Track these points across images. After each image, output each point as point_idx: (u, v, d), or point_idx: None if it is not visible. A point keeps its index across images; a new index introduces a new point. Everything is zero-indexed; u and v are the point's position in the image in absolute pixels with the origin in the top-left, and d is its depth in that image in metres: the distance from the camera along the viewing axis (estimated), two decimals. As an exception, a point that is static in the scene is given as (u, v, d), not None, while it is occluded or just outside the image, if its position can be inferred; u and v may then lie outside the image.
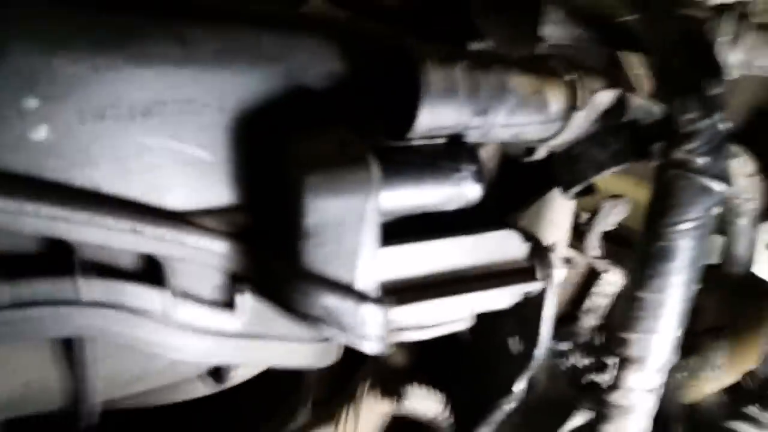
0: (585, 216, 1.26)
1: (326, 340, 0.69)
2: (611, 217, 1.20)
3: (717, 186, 0.65)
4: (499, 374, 0.83)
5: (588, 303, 1.23)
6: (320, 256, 0.58)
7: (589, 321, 1.18)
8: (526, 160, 0.74)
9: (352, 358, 0.94)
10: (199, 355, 0.58)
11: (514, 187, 0.84)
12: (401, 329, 0.69)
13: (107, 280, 0.52)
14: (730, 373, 1.30)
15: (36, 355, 0.54)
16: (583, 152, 0.71)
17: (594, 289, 1.26)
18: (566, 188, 0.74)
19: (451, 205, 0.64)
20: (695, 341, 1.20)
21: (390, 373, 0.91)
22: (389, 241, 0.67)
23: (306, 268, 0.58)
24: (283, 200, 0.57)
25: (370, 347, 0.61)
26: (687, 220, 0.65)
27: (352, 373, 0.92)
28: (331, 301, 0.58)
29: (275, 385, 1.03)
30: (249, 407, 0.97)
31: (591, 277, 1.28)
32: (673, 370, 1.04)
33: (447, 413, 0.88)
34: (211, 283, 0.60)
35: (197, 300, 0.58)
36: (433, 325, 0.71)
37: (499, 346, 0.83)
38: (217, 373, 0.68)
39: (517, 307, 0.77)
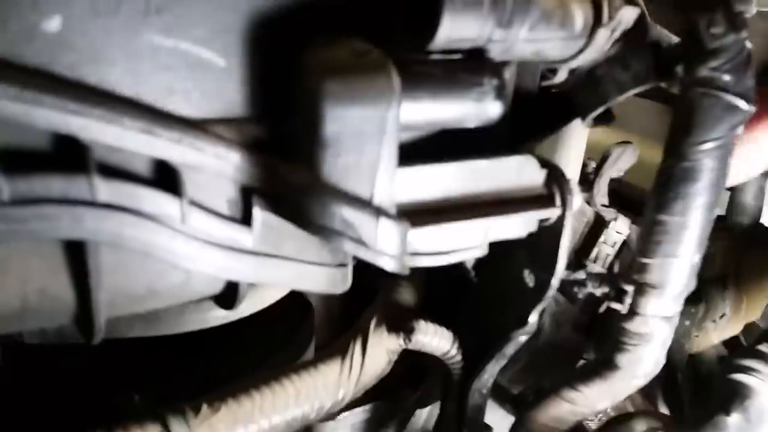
0: (592, 165, 1.25)
1: (339, 265, 0.68)
2: (619, 163, 1.19)
3: (742, 104, 0.64)
4: (512, 308, 0.82)
5: (595, 252, 1.23)
6: (338, 168, 0.57)
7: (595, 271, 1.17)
8: (546, 83, 0.72)
9: (359, 302, 0.95)
10: (213, 268, 0.57)
11: (528, 119, 0.83)
12: (416, 254, 0.67)
13: (123, 182, 0.51)
14: (735, 324, 1.31)
15: (45, 262, 0.53)
16: (604, 74, 0.70)
17: (601, 239, 1.26)
18: (586, 113, 0.72)
19: (472, 122, 0.63)
20: (701, 289, 1.20)
21: (398, 309, 0.90)
22: (404, 163, 0.65)
23: (324, 177, 0.56)
24: (301, 109, 0.56)
25: (388, 264, 0.60)
26: (712, 139, 0.64)
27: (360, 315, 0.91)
28: (350, 213, 0.57)
29: (282, 321, 1.03)
30: (255, 342, 0.96)
31: (598, 226, 1.28)
32: (680, 317, 1.04)
33: (456, 351, 0.87)
34: (226, 196, 0.58)
35: (212, 212, 0.57)
36: (447, 252, 0.70)
37: (512, 280, 0.82)
38: (227, 296, 0.67)
39: (532, 238, 0.76)
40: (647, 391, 1.34)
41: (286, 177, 0.57)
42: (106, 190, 0.50)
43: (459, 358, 0.88)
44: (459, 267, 1.01)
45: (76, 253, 0.53)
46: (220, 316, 0.78)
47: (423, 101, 0.60)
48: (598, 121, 0.75)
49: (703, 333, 1.29)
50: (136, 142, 0.50)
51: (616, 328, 0.75)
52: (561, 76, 0.71)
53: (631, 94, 0.69)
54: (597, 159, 1.18)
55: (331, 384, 0.78)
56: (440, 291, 0.98)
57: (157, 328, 0.77)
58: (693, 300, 0.72)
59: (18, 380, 0.78)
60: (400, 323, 0.85)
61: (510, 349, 0.82)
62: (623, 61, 0.68)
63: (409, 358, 1.01)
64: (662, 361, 0.75)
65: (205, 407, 0.68)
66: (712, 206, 0.67)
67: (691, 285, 0.71)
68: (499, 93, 0.62)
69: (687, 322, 1.24)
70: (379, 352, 0.84)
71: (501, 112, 0.63)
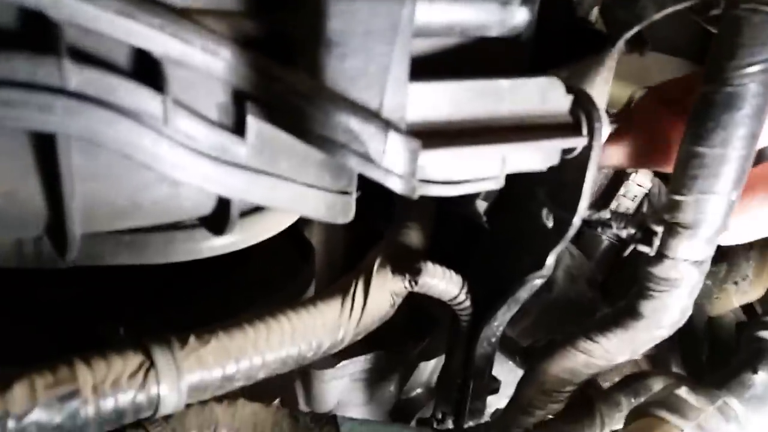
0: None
1: (342, 192, 0.63)
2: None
3: (797, 22, 0.58)
4: (528, 250, 0.77)
5: (614, 205, 1.18)
6: (345, 71, 0.51)
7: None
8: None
9: (364, 247, 0.90)
10: (200, 179, 0.52)
11: (556, 45, 0.77)
12: (427, 181, 0.62)
13: (97, 70, 0.45)
14: (757, 288, 1.26)
15: (13, 162, 0.48)
16: (643, -10, 0.64)
17: (621, 191, 1.20)
18: (621, 32, 0.67)
19: (495, 29, 0.57)
20: (724, 248, 1.15)
21: (404, 251, 0.86)
22: (417, 78, 0.60)
23: (328, 83, 0.51)
24: (303, 3, 0.50)
25: (397, 185, 0.56)
26: (759, 62, 0.59)
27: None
28: (355, 123, 0.51)
29: (281, 261, 0.99)
30: (252, 281, 0.92)
31: (617, 178, 1.22)
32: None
33: (465, 296, 0.83)
34: (217, 100, 0.53)
35: (201, 116, 0.52)
36: (460, 181, 0.65)
37: (530, 220, 0.77)
38: (218, 219, 0.62)
39: (552, 173, 0.71)
40: (654, 356, 1.30)
41: (285, 81, 0.51)
42: (77, 76, 0.44)
43: (468, 304, 0.83)
44: (470, 209, 0.96)
45: (47, 152, 0.48)
46: (212, 247, 0.74)
47: (441, 0, 0.54)
48: (633, 47, 0.70)
49: (724, 295, 1.25)
50: (113, 25, 0.45)
51: (642, 273, 0.70)
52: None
53: (670, 11, 0.63)
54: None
55: (330, 323, 0.73)
56: (450, 234, 0.93)
57: (144, 255, 0.72)
58: (715, 259, 0.67)
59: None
60: (406, 265, 0.80)
61: (524, 294, 0.78)
62: (663, -26, 0.62)
63: (414, 309, 0.97)
64: (689, 310, 0.70)
65: (192, 339, 0.63)
66: (755, 138, 0.62)
67: (726, 226, 0.66)
68: (527, -1, 0.56)
69: (708, 282, 1.19)
70: (382, 293, 0.79)
71: (528, 20, 0.57)
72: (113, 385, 0.57)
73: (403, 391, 1.15)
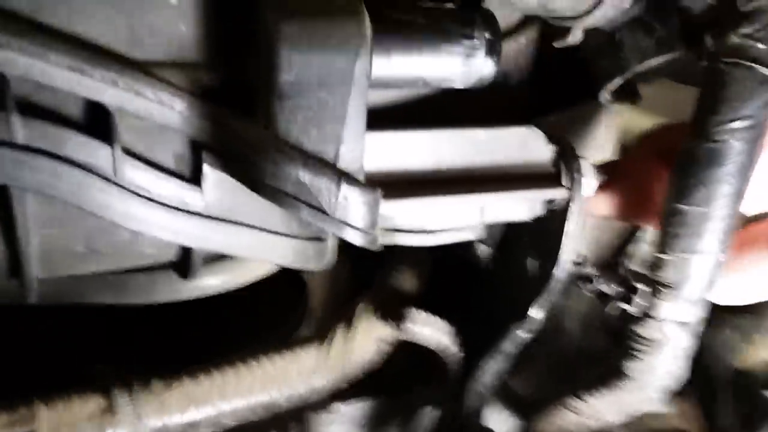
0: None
1: (313, 239, 0.63)
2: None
3: (780, 77, 0.55)
4: (515, 301, 0.75)
5: (631, 248, 1.14)
6: (298, 123, 0.52)
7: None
8: (560, 44, 0.65)
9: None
10: (154, 228, 0.53)
11: (551, 91, 0.76)
12: (397, 230, 0.62)
13: (45, 123, 0.47)
14: (789, 339, 1.20)
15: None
16: (624, 39, 0.62)
17: (639, 234, 1.16)
18: (604, 83, 0.65)
19: (459, 82, 0.57)
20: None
21: (393, 296, 0.85)
22: (387, 126, 0.60)
23: (281, 134, 0.51)
24: (257, 54, 0.51)
25: (353, 237, 0.55)
26: (741, 117, 0.56)
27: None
28: (305, 175, 0.51)
29: (271, 301, 0.99)
30: (239, 321, 0.92)
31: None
32: (724, 327, 0.96)
33: (454, 345, 0.81)
34: (172, 150, 0.54)
35: (155, 166, 0.53)
36: (434, 231, 0.64)
37: (518, 269, 0.76)
38: (182, 264, 0.63)
39: (539, 223, 0.70)
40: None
41: (238, 131, 0.52)
42: (25, 130, 0.46)
43: (456, 353, 0.82)
44: (470, 254, 0.94)
45: (2, 201, 0.49)
46: (193, 288, 0.75)
47: (400, 52, 0.54)
48: (620, 97, 0.68)
49: (752, 348, 1.19)
50: (63, 80, 0.46)
51: (626, 332, 0.67)
52: (575, 36, 0.63)
53: (654, 64, 0.62)
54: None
55: (306, 370, 0.73)
56: (449, 280, 0.92)
57: (125, 296, 0.73)
58: (740, 309, 0.64)
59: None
60: (393, 310, 0.80)
61: (509, 347, 0.75)
62: (646, 24, 0.60)
63: (420, 353, 0.96)
64: (680, 374, 0.67)
65: (156, 383, 0.64)
66: (738, 196, 0.59)
67: (712, 287, 0.63)
68: (492, 49, 0.55)
69: (732, 333, 1.14)
70: (366, 339, 0.78)
71: (493, 71, 0.56)
72: (69, 427, 0.58)
73: (406, 437, 1.13)
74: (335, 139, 0.53)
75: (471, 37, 0.55)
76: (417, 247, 0.93)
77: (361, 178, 0.55)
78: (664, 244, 0.62)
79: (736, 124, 0.56)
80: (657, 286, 0.63)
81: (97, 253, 0.56)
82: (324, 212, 0.53)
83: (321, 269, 0.66)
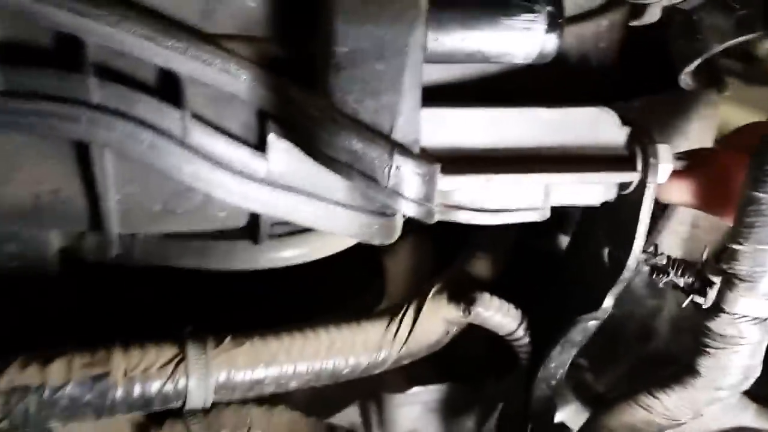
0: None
1: (379, 213, 0.65)
2: None
3: None
4: (587, 290, 0.74)
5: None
6: (354, 94, 0.54)
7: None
8: (635, 22, 0.63)
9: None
10: (220, 191, 0.57)
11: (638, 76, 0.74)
12: (458, 207, 0.62)
13: (121, 86, 0.52)
14: None
15: (58, 164, 0.56)
16: (703, 19, 0.60)
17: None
18: (683, 65, 0.63)
19: (519, 57, 0.57)
20: None
21: (466, 279, 0.85)
22: (447, 104, 0.61)
23: (336, 104, 0.54)
24: (317, 28, 0.54)
25: (406, 207, 0.57)
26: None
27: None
28: (359, 144, 0.54)
29: (346, 280, 1.02)
30: (313, 296, 0.96)
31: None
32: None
33: (523, 332, 0.80)
34: (240, 118, 0.58)
35: (224, 132, 0.57)
36: (497, 210, 0.64)
37: (592, 258, 0.74)
38: (251, 231, 0.67)
39: (613, 210, 0.68)
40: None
41: (299, 101, 0.55)
42: (102, 91, 0.51)
43: (526, 341, 0.81)
44: (551, 244, 0.93)
45: (84, 158, 0.55)
46: (271, 259, 0.79)
47: (456, 26, 0.55)
48: (703, 83, 0.65)
49: None
50: (137, 48, 0.51)
51: (700, 328, 0.64)
52: (652, 14, 0.61)
53: (733, 43, 0.58)
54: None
55: (371, 343, 0.75)
56: (528, 269, 0.91)
57: (206, 261, 0.79)
58: None
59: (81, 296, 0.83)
60: (463, 293, 0.80)
61: (577, 335, 0.74)
62: (725, 3, 0.58)
63: (497, 344, 0.96)
64: (754, 372, 0.63)
65: (228, 340, 0.68)
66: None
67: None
68: (553, 23, 0.55)
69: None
70: (434, 319, 0.79)
71: (555, 46, 0.56)
72: (144, 372, 0.63)
73: (483, 430, 1.12)
74: (390, 111, 0.55)
75: (531, 11, 0.55)
76: (496, 232, 0.94)
77: (416, 150, 0.56)
78: (739, 234, 0.59)
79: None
80: (732, 279, 0.60)
81: (172, 214, 0.61)
82: (376, 181, 0.55)
83: (384, 243, 0.68)
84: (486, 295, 0.79)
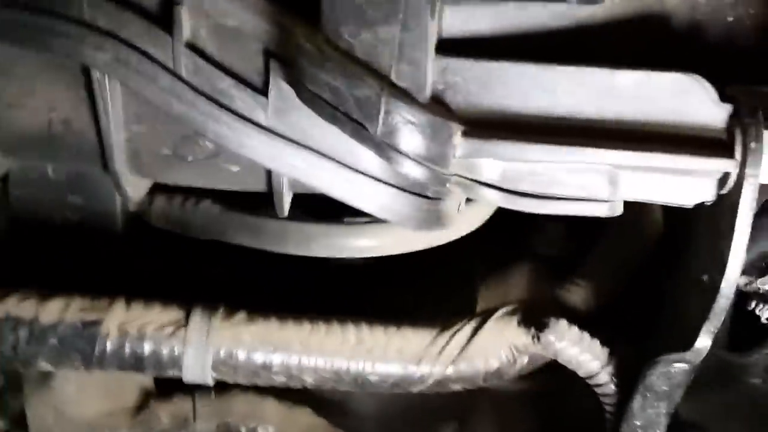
0: None
1: (418, 194, 0.56)
2: None
3: None
4: (682, 326, 0.58)
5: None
6: (348, 26, 0.47)
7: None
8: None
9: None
10: (218, 134, 0.53)
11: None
12: (485, 184, 0.52)
13: (112, 4, 0.51)
14: None
15: (68, 92, 0.57)
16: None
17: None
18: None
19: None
20: None
21: (554, 305, 0.72)
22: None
23: (330, 37, 0.48)
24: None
25: (403, 165, 0.48)
26: None
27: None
28: (343, 81, 0.47)
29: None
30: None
31: None
32: None
33: (608, 377, 0.65)
34: (245, 56, 0.53)
35: (224, 69, 0.53)
36: (541, 195, 0.52)
37: (690, 285, 0.58)
38: (272, 199, 0.62)
39: (713, 215, 0.53)
40: None
41: (300, 38, 0.50)
42: (91, 8, 0.51)
43: (611, 388, 0.66)
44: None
45: (92, 87, 0.55)
46: (337, 246, 0.75)
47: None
48: None
49: None
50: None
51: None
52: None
53: None
54: None
55: (409, 352, 0.66)
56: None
57: (259, 240, 0.76)
58: None
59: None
60: (537, 317, 0.68)
61: (659, 383, 0.58)
62: None
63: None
64: None
65: (240, 314, 0.64)
66: None
67: None
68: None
69: None
70: (496, 341, 0.68)
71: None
72: (139, 330, 0.61)
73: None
74: (390, 48, 0.47)
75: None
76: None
77: (422, 98, 0.48)
78: None
79: None
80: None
81: (183, 161, 0.59)
82: (364, 128, 0.47)
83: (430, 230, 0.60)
84: (563, 323, 0.65)
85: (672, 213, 0.59)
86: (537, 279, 0.91)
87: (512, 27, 0.55)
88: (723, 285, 0.50)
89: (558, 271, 0.83)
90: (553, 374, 0.71)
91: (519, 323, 0.68)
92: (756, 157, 0.47)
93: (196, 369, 0.62)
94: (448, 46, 0.54)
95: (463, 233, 0.86)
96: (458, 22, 0.55)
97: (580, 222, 0.55)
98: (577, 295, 0.74)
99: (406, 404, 0.77)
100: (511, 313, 0.70)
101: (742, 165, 0.48)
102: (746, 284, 0.51)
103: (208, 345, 0.61)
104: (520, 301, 0.73)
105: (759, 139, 0.47)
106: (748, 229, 0.49)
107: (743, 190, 0.48)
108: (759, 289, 0.51)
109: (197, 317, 0.62)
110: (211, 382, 0.63)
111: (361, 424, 0.85)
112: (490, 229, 0.90)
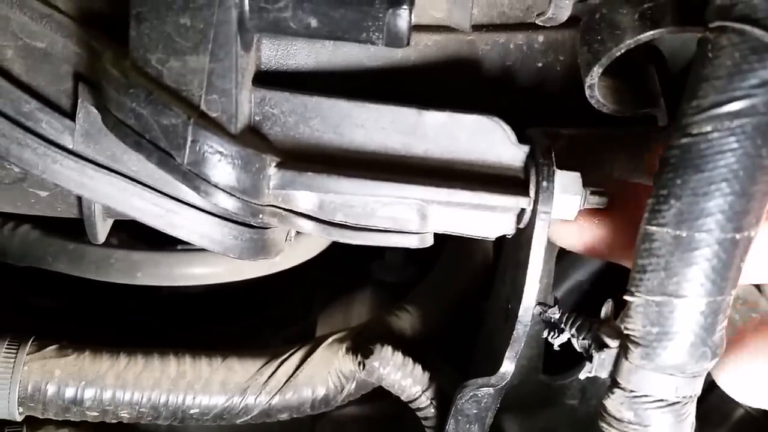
0: None
1: (241, 223, 0.57)
2: None
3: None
4: (490, 352, 0.62)
5: None
6: (157, 53, 0.48)
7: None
8: (539, 20, 0.54)
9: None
10: (20, 158, 0.51)
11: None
12: (300, 214, 0.53)
13: None
14: None
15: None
16: (605, 15, 0.50)
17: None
18: (585, 71, 0.52)
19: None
20: None
21: (383, 332, 0.75)
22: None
23: (138, 63, 0.48)
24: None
25: (216, 197, 0.49)
26: (730, 99, 0.41)
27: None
28: (147, 108, 0.47)
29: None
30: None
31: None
32: None
33: (427, 401, 0.68)
34: (54, 79, 0.53)
35: (29, 90, 0.52)
36: (351, 226, 0.54)
37: (498, 313, 0.62)
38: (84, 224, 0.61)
39: (515, 248, 0.57)
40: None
41: (109, 63, 0.49)
42: None
43: (431, 411, 0.68)
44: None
45: None
46: (164, 275, 0.74)
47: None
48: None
49: None
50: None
51: (598, 408, 0.51)
52: (559, 10, 0.52)
53: (633, 45, 0.48)
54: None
55: (232, 383, 0.66)
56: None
57: (82, 268, 0.74)
58: None
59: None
60: (364, 344, 0.70)
61: (469, 407, 0.61)
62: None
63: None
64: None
65: (52, 347, 0.62)
66: (739, 213, 0.42)
67: (716, 346, 0.45)
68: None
69: None
70: (323, 369, 0.69)
71: (406, 25, 0.47)
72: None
73: None
74: (199, 78, 0.48)
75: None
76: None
77: (233, 129, 0.49)
78: (631, 282, 0.46)
79: (723, 109, 0.41)
80: (626, 343, 0.47)
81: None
82: (172, 157, 0.48)
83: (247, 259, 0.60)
84: (387, 349, 0.68)
85: (497, 244, 0.63)
86: (376, 305, 0.94)
87: (330, 64, 0.57)
88: (521, 312, 0.54)
89: (397, 298, 0.87)
90: (393, 397, 0.73)
91: (347, 350, 0.70)
92: (547, 195, 0.52)
93: (2, 405, 0.59)
94: (268, 79, 0.56)
95: (302, 260, 0.88)
96: (278, 56, 0.57)
97: (420, 249, 0.57)
98: (405, 320, 0.77)
99: (247, 428, 0.77)
100: (341, 340, 0.72)
101: (535, 202, 0.52)
102: (540, 313, 0.55)
103: (13, 381, 0.59)
104: (351, 328, 0.75)
105: (550, 178, 0.52)
106: (541, 261, 0.53)
107: (536, 226, 0.52)
108: (551, 318, 0.55)
109: (2, 350, 0.59)
110: (18, 418, 0.60)
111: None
112: (330, 256, 0.92)
